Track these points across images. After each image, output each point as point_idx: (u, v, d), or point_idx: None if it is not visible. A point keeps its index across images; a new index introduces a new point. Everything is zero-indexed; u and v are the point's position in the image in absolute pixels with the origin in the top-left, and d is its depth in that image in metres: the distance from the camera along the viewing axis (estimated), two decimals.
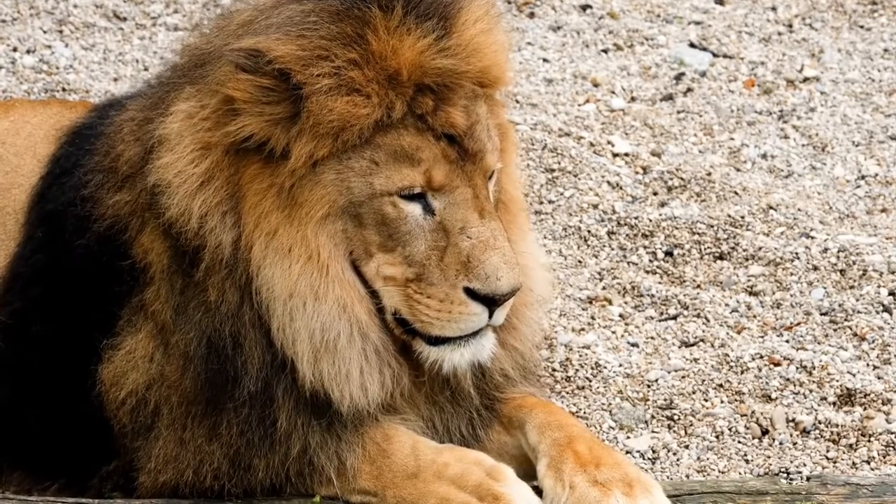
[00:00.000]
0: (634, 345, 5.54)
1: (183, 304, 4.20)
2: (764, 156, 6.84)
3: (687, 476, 4.87)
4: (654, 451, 4.99)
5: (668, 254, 6.08)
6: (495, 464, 4.19)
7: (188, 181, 4.09)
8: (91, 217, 4.36)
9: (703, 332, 5.59)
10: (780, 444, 5.01)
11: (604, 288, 5.90)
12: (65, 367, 4.38)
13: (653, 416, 5.16)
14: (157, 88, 4.45)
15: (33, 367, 4.45)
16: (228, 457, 4.20)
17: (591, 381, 5.31)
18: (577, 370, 5.35)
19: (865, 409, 5.12)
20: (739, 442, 5.03)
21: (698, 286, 5.91)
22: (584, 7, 8.13)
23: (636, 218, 6.21)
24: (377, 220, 4.05)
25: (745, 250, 6.06)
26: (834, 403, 5.16)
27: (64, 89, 7.07)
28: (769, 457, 4.96)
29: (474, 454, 4.22)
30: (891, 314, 5.61)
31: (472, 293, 4.02)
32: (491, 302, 4.03)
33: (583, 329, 5.64)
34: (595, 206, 6.31)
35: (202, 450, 4.22)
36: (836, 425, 5.04)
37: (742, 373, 5.32)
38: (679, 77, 7.48)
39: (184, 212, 4.11)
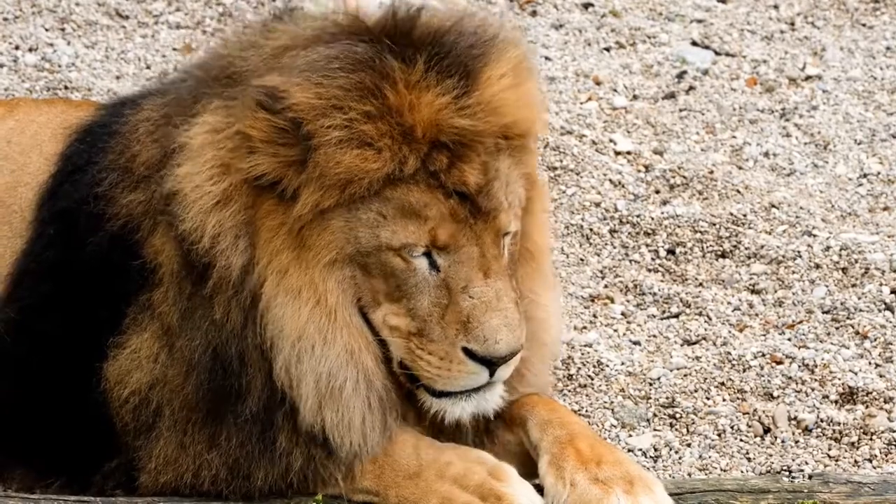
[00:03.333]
0: (636, 343, 5.55)
1: (190, 310, 4.19)
2: (766, 154, 6.84)
3: (689, 474, 4.88)
4: (655, 450, 4.99)
5: (671, 252, 6.08)
6: (497, 463, 4.19)
7: (204, 198, 4.08)
8: (104, 216, 4.36)
9: (705, 330, 5.59)
10: (782, 442, 5.01)
11: (606, 286, 5.90)
12: (71, 363, 4.38)
13: (655, 415, 5.16)
14: (177, 88, 4.44)
15: (39, 363, 4.45)
16: (227, 465, 4.21)
17: (592, 379, 5.32)
18: (578, 368, 5.35)
19: (867, 407, 5.12)
20: (741, 440, 5.04)
21: (700, 284, 5.91)
22: (586, 5, 8.13)
23: (638, 216, 6.21)
24: (384, 271, 4.03)
25: (747, 248, 6.06)
26: (836, 402, 5.16)
27: (66, 87, 7.07)
28: (771, 455, 4.96)
29: (476, 453, 4.23)
30: (893, 312, 5.61)
31: (470, 353, 4.00)
32: (489, 363, 4.01)
33: (585, 327, 5.64)
34: (597, 205, 6.31)
35: (201, 456, 4.22)
36: (838, 423, 5.05)
37: (744, 371, 5.32)
38: (681, 75, 7.48)
39: (197, 227, 4.10)
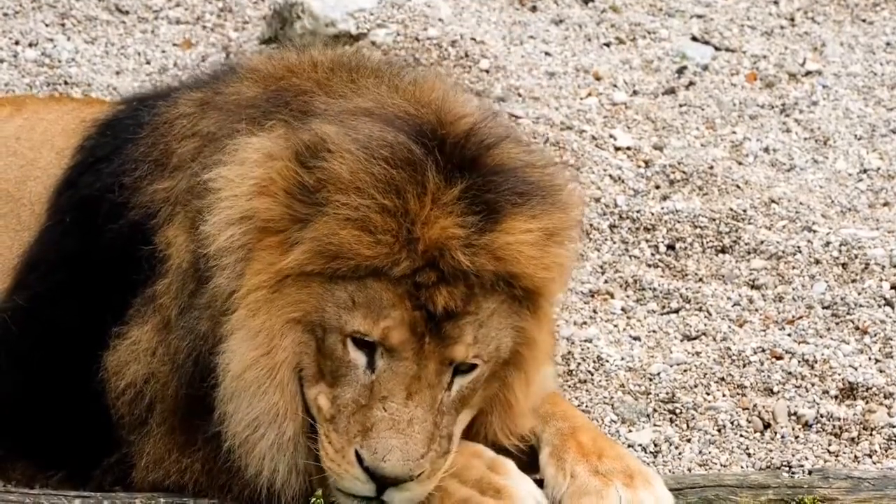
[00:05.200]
0: (636, 338, 5.55)
1: (188, 308, 4.21)
2: (766, 149, 6.84)
3: (689, 470, 4.88)
4: (655, 445, 4.99)
5: (670, 247, 6.08)
6: (495, 456, 4.20)
7: (233, 209, 4.12)
8: (128, 204, 4.38)
9: (705, 325, 5.59)
10: (782, 437, 5.01)
11: (606, 282, 5.90)
12: (77, 354, 4.39)
13: (655, 410, 5.16)
14: (230, 87, 4.47)
15: (45, 354, 4.46)
16: (205, 472, 4.24)
17: (592, 374, 5.32)
18: (578, 364, 5.35)
19: (867, 402, 5.12)
20: (741, 436, 5.04)
21: (700, 280, 5.91)
22: (586, 0, 8.13)
23: (638, 211, 6.21)
24: (331, 354, 4.04)
25: (746, 244, 6.06)
26: (836, 397, 5.17)
27: (66, 83, 7.07)
28: (771, 450, 4.96)
29: (473, 447, 4.23)
30: (892, 308, 5.61)
31: (360, 459, 3.99)
32: (375, 477, 3.98)
33: (585, 323, 5.64)
34: (597, 200, 6.31)
35: (182, 459, 4.25)
36: (838, 419, 5.05)
37: (744, 366, 5.32)
38: (681, 71, 7.47)
39: (210, 234, 4.13)
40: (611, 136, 6.85)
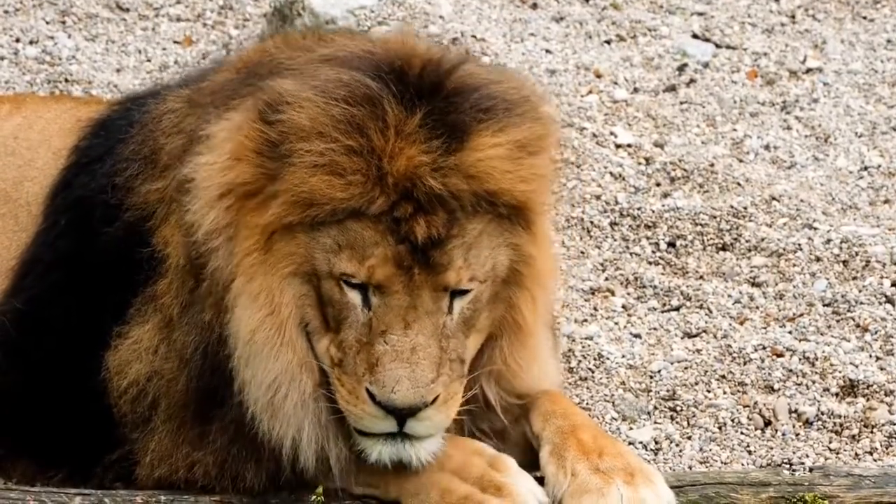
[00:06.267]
0: (637, 336, 5.55)
1: (190, 304, 4.22)
2: (767, 147, 6.84)
3: (690, 467, 4.88)
4: (656, 443, 5.00)
5: (671, 245, 6.09)
6: (496, 454, 4.20)
7: (211, 188, 4.12)
8: (122, 206, 4.40)
9: (706, 323, 5.59)
10: (783, 435, 5.01)
11: (606, 279, 5.90)
12: (76, 354, 4.40)
13: (655, 408, 5.16)
14: (208, 78, 4.49)
15: (44, 354, 4.46)
16: (217, 464, 4.23)
17: (593, 372, 5.32)
18: (579, 361, 5.35)
19: (868, 400, 5.13)
20: (742, 433, 5.04)
21: (701, 277, 5.91)
22: None
23: (639, 209, 6.21)
24: (329, 300, 4.06)
25: (747, 241, 6.06)
26: (836, 394, 5.17)
27: (66, 80, 7.07)
28: (772, 448, 4.96)
29: (474, 444, 4.23)
30: (893, 305, 5.61)
31: (372, 396, 4.00)
32: (391, 411, 4.00)
33: (585, 320, 5.65)
34: (598, 197, 6.31)
35: (193, 453, 4.25)
36: (839, 416, 5.05)
37: (745, 364, 5.32)
38: (682, 68, 7.47)
39: (198, 220, 4.14)
40: (611, 133, 6.85)
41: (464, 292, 4.07)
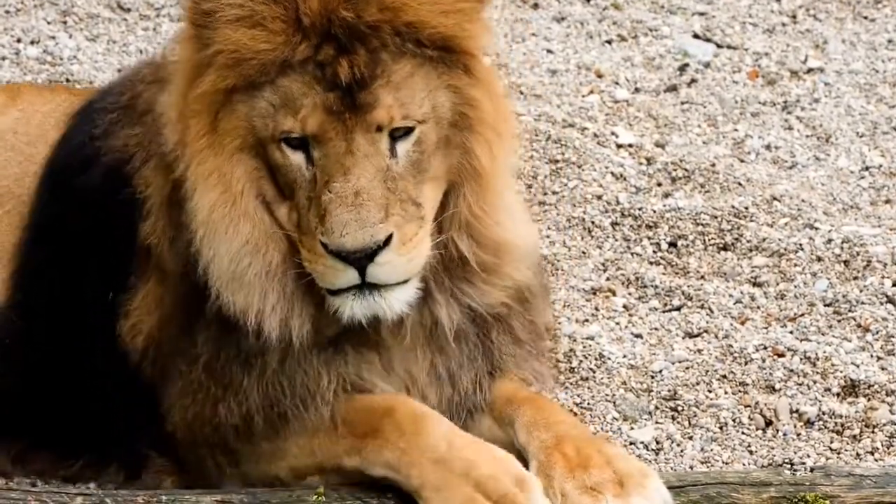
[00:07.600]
0: (638, 336, 5.55)
1: (177, 237, 4.28)
2: (768, 147, 6.84)
3: (691, 467, 4.88)
4: (657, 443, 4.99)
5: (672, 245, 6.09)
6: (524, 474, 4.15)
7: (171, 111, 4.20)
8: (99, 153, 4.44)
9: (707, 323, 5.59)
10: (784, 435, 5.01)
11: (608, 279, 5.90)
12: (80, 331, 4.44)
13: (657, 408, 5.16)
14: None
15: (47, 341, 4.49)
16: (222, 386, 4.27)
17: (594, 372, 5.32)
18: (580, 361, 5.35)
19: (869, 400, 5.13)
20: (743, 433, 5.04)
21: (702, 277, 5.91)
22: None
23: (640, 209, 6.21)
24: (277, 165, 4.10)
25: (748, 241, 6.06)
26: (838, 394, 5.17)
27: (68, 80, 7.07)
28: (773, 448, 4.96)
29: (506, 460, 4.17)
30: (894, 305, 5.61)
31: (325, 247, 4.03)
32: (346, 259, 4.02)
33: (586, 320, 5.64)
34: (599, 197, 6.31)
35: (199, 378, 4.29)
36: (840, 416, 5.05)
37: (746, 364, 5.32)
38: (683, 68, 7.47)
39: (172, 144, 4.21)
40: (612, 133, 6.85)
41: (405, 134, 4.08)
